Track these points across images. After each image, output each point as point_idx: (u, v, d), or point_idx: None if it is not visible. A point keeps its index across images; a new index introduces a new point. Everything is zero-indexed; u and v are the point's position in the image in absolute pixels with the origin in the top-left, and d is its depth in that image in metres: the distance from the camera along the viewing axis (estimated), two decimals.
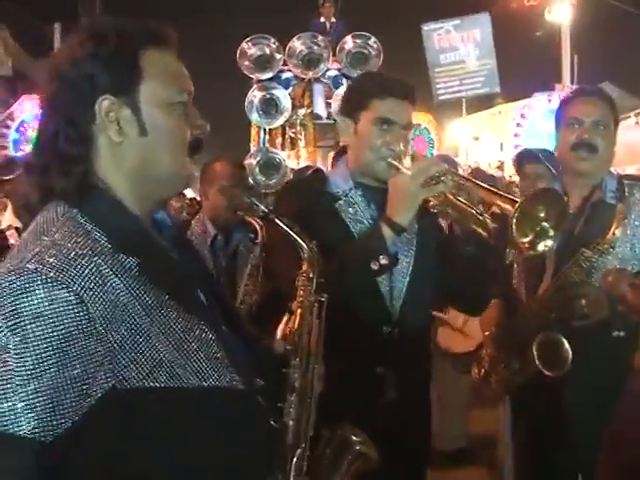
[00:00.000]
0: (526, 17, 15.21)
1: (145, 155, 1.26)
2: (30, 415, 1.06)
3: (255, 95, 9.26)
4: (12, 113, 10.08)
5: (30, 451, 1.07)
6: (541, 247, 1.82)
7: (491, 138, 14.51)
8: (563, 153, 2.47)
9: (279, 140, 9.79)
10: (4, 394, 1.07)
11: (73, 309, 1.10)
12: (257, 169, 8.83)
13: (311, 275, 1.53)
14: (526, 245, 1.80)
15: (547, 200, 1.82)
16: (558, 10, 14.17)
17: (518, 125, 12.62)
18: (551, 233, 1.80)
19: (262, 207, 1.65)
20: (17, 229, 4.57)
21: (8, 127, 9.84)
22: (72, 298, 1.10)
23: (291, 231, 1.56)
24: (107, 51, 1.23)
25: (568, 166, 2.47)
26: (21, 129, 9.82)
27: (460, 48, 13.60)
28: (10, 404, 1.07)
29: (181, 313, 1.21)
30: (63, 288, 1.10)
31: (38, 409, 1.07)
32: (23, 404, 1.07)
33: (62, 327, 1.09)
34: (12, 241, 4.34)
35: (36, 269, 1.10)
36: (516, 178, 4.68)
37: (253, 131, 9.79)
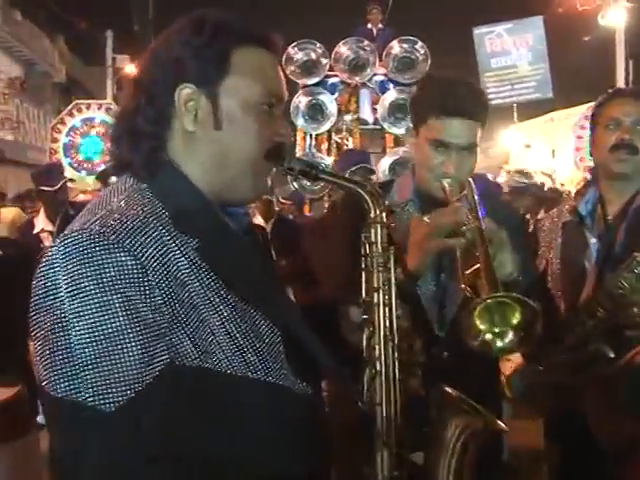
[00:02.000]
0: (579, 22, 14.88)
1: (217, 149, 1.24)
2: (89, 383, 1.05)
3: (301, 100, 9.25)
4: (63, 118, 10.25)
5: (90, 418, 1.05)
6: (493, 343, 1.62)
7: (543, 145, 14.26)
8: (600, 156, 2.33)
9: (325, 146, 9.75)
10: (63, 360, 1.06)
11: (134, 275, 1.09)
12: None
13: (379, 228, 1.34)
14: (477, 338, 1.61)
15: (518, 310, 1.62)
16: (612, 14, 13.84)
17: (579, 138, 11.16)
18: (509, 338, 1.61)
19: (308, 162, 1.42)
20: (50, 232, 4.65)
21: (59, 132, 10.00)
22: (133, 263, 1.09)
23: (340, 180, 1.39)
24: (200, 41, 1.23)
25: (606, 169, 2.32)
26: (71, 134, 9.98)
27: (512, 52, 13.36)
28: (70, 370, 1.06)
29: (239, 301, 1.19)
30: (125, 253, 1.09)
31: (97, 377, 1.05)
32: (83, 371, 1.05)
33: (121, 293, 1.07)
34: (47, 243, 4.44)
35: (99, 231, 1.10)
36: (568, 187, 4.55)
37: (299, 136, 9.76)
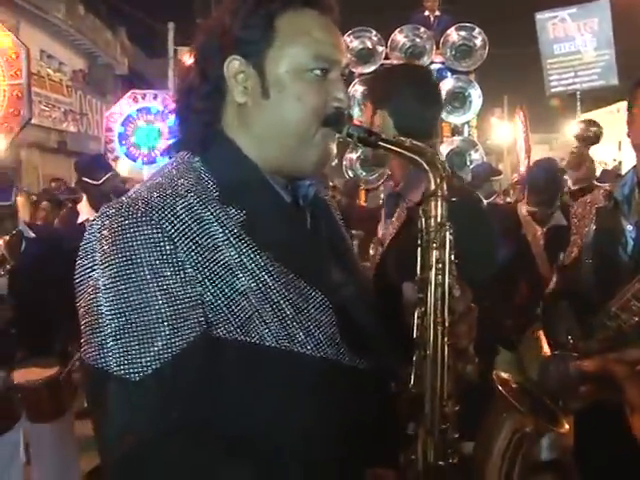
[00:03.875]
0: None
1: (270, 120, 1.23)
2: (116, 353, 1.08)
3: (357, 89, 9.09)
4: (119, 107, 10.38)
5: (116, 387, 1.07)
6: None
7: (609, 137, 13.86)
8: (638, 138, 2.21)
9: None
10: (94, 329, 1.10)
11: (162, 249, 1.11)
12: (358, 164, 8.65)
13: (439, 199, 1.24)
14: None
15: None
16: None
17: None
18: None
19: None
20: None
21: (114, 121, 10.14)
22: (160, 237, 1.11)
23: (400, 147, 1.27)
24: (245, 9, 1.23)
25: None
26: (127, 123, 10.09)
27: (576, 38, 12.86)
28: (100, 339, 1.09)
29: (287, 274, 1.18)
30: (153, 226, 1.11)
31: (124, 348, 1.08)
32: (111, 340, 1.08)
33: (150, 266, 1.10)
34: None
35: (130, 205, 1.13)
36: None
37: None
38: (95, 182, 4.52)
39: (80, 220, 4.67)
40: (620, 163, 11.92)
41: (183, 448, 1.09)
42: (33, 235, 3.38)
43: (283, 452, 1.13)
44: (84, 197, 4.74)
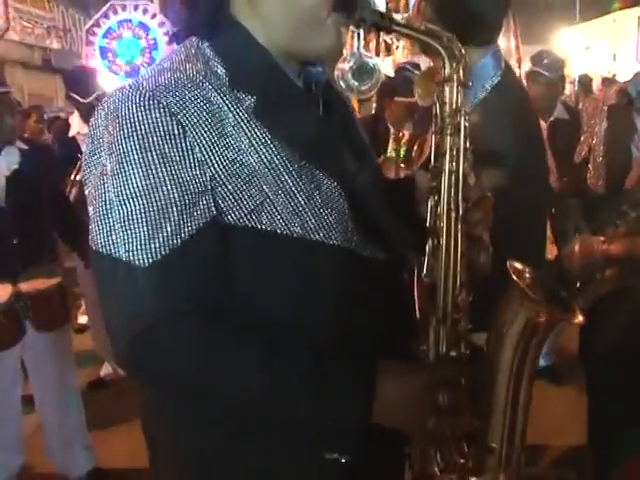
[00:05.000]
0: None
1: (280, 1, 1.18)
2: (124, 238, 1.06)
3: None
4: (98, 20, 10.03)
5: (125, 273, 1.06)
6: None
7: (604, 47, 13.60)
8: None
9: (373, 45, 9.39)
10: (102, 215, 1.09)
11: (170, 132, 1.08)
12: (350, 74, 8.47)
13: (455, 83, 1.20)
14: None
15: None
16: None
17: None
18: None
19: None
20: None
21: (94, 34, 9.80)
22: (169, 120, 1.08)
23: (415, 32, 1.23)
24: None
25: None
26: (107, 37, 9.76)
27: None
28: (107, 226, 1.08)
29: (299, 160, 1.14)
30: (161, 110, 1.09)
31: (132, 233, 1.06)
32: (119, 226, 1.07)
33: (157, 150, 1.07)
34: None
35: (137, 89, 1.11)
36: None
37: (347, 35, 9.38)
38: (82, 100, 4.41)
39: (72, 133, 4.59)
40: (614, 76, 11.73)
41: (192, 331, 1.07)
42: (26, 147, 3.31)
43: (295, 339, 1.11)
44: (75, 111, 4.64)
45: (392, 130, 4.62)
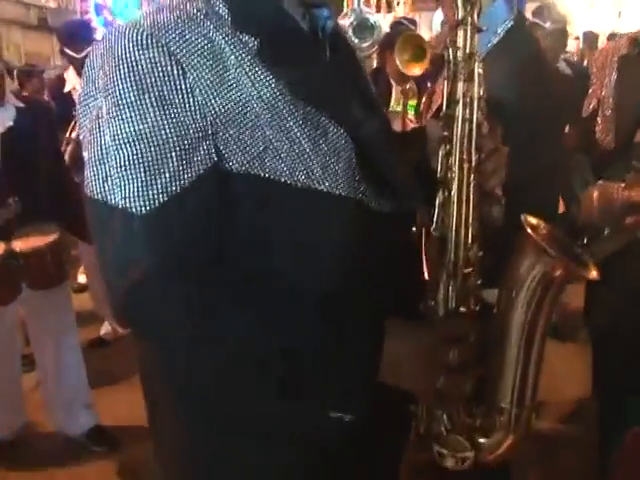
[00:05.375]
0: None
1: None
2: (122, 185, 1.02)
3: None
4: None
5: (121, 221, 1.02)
6: None
7: (608, 4, 13.39)
8: None
9: (374, 1, 9.23)
10: (97, 161, 1.04)
11: (169, 73, 1.03)
12: (350, 31, 8.32)
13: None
14: None
15: None
16: None
17: None
18: None
19: None
20: None
21: None
22: (168, 60, 1.03)
23: None
24: None
25: None
26: None
27: None
28: (103, 171, 1.04)
29: (304, 105, 1.09)
30: (159, 50, 1.03)
31: (128, 179, 1.02)
32: (115, 172, 1.03)
33: (155, 91, 1.02)
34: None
35: (133, 26, 1.05)
36: None
37: None
38: (76, 55, 4.29)
39: (67, 89, 4.50)
40: (619, 35, 11.54)
41: (191, 283, 1.03)
42: (22, 105, 3.24)
43: (298, 294, 1.07)
44: (70, 66, 4.55)
45: (394, 85, 4.53)
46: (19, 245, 3.04)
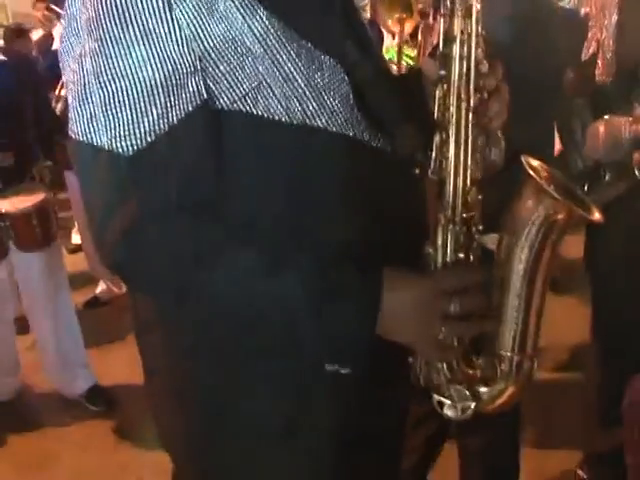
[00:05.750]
0: None
1: None
2: (108, 124, 0.98)
3: None
4: None
5: (108, 163, 0.98)
6: None
7: None
8: None
9: None
10: (82, 100, 1.00)
11: (153, 4, 0.97)
12: None
13: None
14: None
15: None
16: None
17: None
18: None
19: None
20: None
21: None
22: None
23: None
24: None
25: None
26: None
27: None
28: (88, 111, 0.99)
29: (297, 40, 1.04)
30: None
31: (117, 118, 0.98)
32: (100, 112, 0.98)
33: (141, 26, 0.97)
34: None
35: None
36: None
37: None
38: (63, 11, 4.18)
39: (55, 47, 4.41)
40: None
41: (184, 227, 1.00)
42: (4, 58, 3.16)
43: (295, 241, 1.04)
44: (57, 23, 4.45)
45: (385, 33, 4.47)
46: (5, 206, 3.00)
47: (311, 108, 1.03)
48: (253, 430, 1.15)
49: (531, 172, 1.07)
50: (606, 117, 1.96)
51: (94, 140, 0.99)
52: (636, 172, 1.95)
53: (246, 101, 1.01)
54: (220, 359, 1.11)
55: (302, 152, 1.04)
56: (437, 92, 1.11)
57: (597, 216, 1.10)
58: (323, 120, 1.04)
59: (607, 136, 1.86)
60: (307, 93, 1.03)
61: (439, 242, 1.10)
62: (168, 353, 1.17)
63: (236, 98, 1.01)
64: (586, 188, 2.00)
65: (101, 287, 4.57)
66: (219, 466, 1.19)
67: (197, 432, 1.19)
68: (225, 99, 1.00)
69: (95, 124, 0.99)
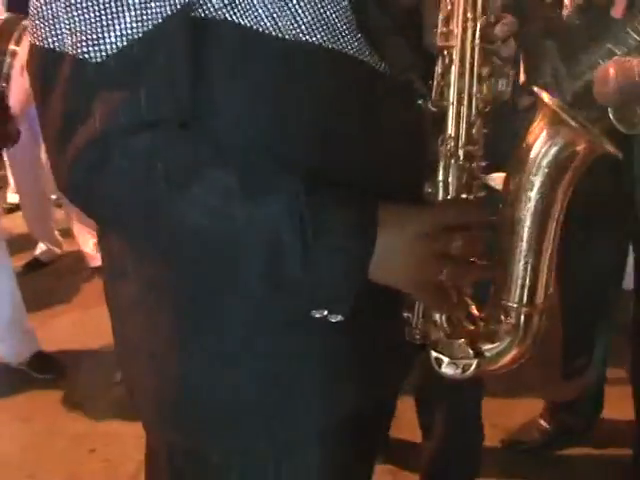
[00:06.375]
0: None
1: None
2: (74, 27, 0.87)
3: None
4: None
5: (73, 71, 0.87)
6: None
7: None
8: None
9: None
10: (45, 1, 0.89)
11: None
12: None
13: None
14: None
15: None
16: None
17: None
18: None
19: None
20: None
21: None
22: None
23: None
24: None
25: None
26: None
27: None
28: (51, 12, 0.88)
29: None
30: None
31: (84, 21, 0.86)
32: (65, 13, 0.87)
33: None
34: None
35: None
36: None
37: None
38: None
39: None
40: None
41: (157, 144, 0.88)
42: None
43: (280, 165, 0.92)
44: None
45: None
46: None
47: (305, 22, 0.92)
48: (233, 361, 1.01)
49: (546, 99, 0.95)
50: (615, 58, 1.84)
51: (57, 46, 0.88)
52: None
53: (232, 8, 0.90)
54: (200, 296, 0.99)
55: (294, 71, 0.93)
56: (440, 13, 1.00)
57: (613, 149, 0.99)
58: (318, 36, 0.93)
59: (620, 79, 1.76)
60: (301, 4, 0.92)
61: (439, 178, 0.98)
62: (144, 290, 1.04)
63: (221, 5, 0.89)
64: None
65: (40, 248, 4.37)
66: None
67: (170, 376, 1.04)
68: (209, 5, 0.89)
69: (59, 27, 0.88)
